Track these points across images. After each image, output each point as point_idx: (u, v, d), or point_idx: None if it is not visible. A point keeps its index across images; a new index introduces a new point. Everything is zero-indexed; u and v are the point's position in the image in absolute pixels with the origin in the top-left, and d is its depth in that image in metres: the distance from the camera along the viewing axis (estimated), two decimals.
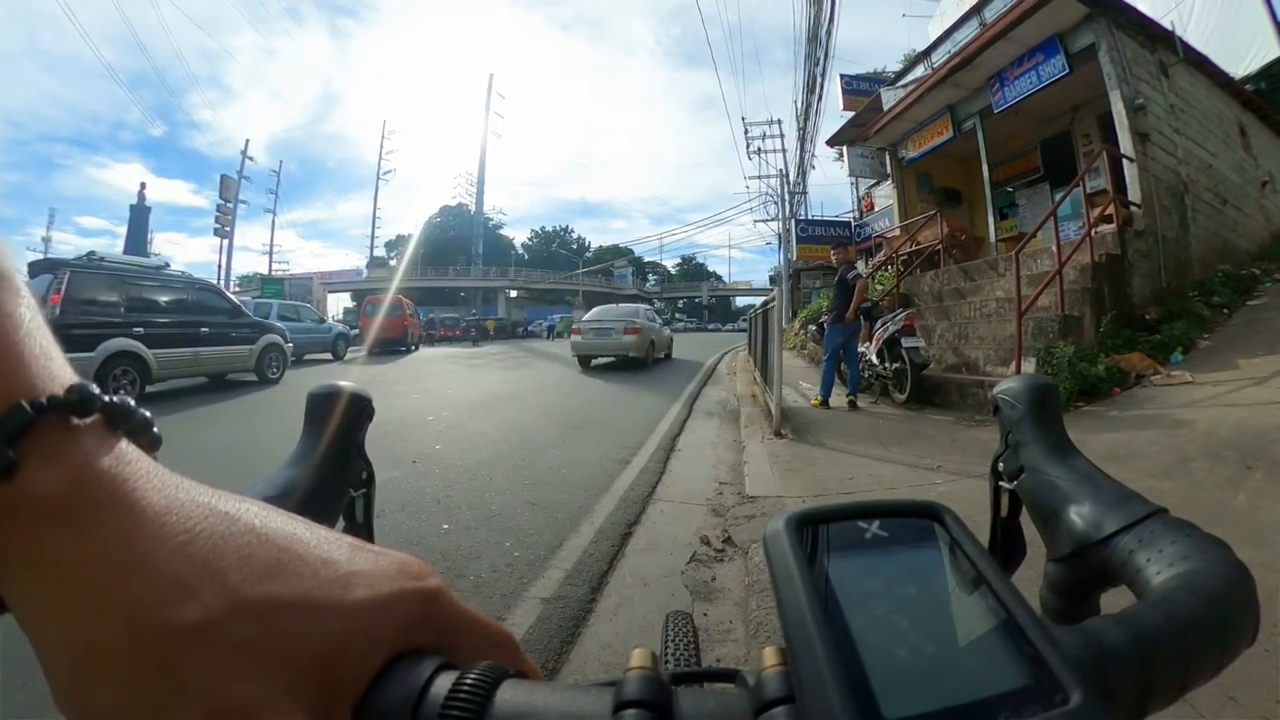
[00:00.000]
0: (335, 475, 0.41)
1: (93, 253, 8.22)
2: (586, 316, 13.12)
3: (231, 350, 9.54)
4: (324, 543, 0.23)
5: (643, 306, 14.27)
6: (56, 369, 0.20)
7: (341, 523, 0.42)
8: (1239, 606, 0.26)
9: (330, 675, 0.21)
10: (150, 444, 0.22)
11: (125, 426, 0.21)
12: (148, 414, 0.22)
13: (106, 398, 0.21)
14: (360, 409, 0.44)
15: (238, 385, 9.70)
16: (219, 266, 37.89)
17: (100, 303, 7.50)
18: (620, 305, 14.01)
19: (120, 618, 0.18)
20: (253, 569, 0.20)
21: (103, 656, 0.18)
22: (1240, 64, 12.50)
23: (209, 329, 9.06)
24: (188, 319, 8.78)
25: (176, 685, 0.18)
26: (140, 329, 7.83)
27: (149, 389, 8.05)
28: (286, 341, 10.86)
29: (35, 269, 7.41)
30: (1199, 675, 0.25)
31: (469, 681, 0.22)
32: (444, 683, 0.22)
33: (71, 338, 6.80)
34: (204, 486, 0.22)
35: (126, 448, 0.21)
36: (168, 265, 9.36)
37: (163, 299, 8.51)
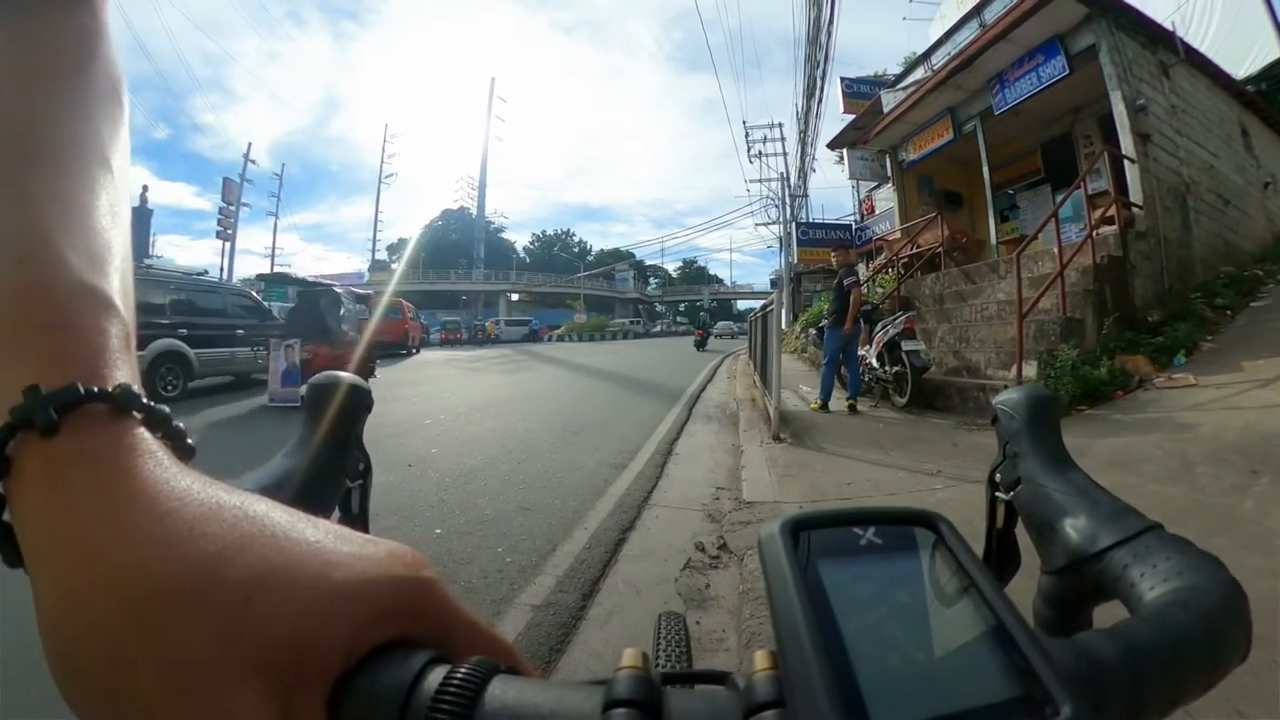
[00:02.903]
0: (332, 466, 0.42)
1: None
2: (718, 325, 41.23)
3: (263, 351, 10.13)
4: (312, 526, 0.24)
5: (735, 323, 38.19)
6: (119, 373, 0.24)
7: (337, 513, 0.42)
8: (1231, 624, 0.26)
9: (305, 653, 0.21)
10: (182, 451, 0.25)
11: (159, 430, 0.24)
12: (181, 425, 0.25)
13: (148, 403, 0.24)
14: (359, 400, 0.44)
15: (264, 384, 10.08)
16: (221, 269, 37.83)
17: (149, 306, 8.26)
18: (727, 322, 47.92)
19: (107, 573, 0.20)
20: (234, 540, 0.21)
21: (86, 606, 0.19)
22: (1242, 64, 12.47)
23: (243, 331, 9.83)
24: (224, 322, 9.58)
25: (147, 642, 0.19)
26: (184, 331, 8.58)
27: (191, 385, 8.73)
28: None
29: None
30: (1190, 691, 0.25)
31: (460, 676, 0.21)
32: (435, 676, 0.22)
33: None
34: (209, 479, 0.24)
35: (151, 442, 0.23)
36: (206, 273, 10.54)
37: (202, 303, 9.26)
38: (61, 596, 0.20)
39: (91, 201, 0.28)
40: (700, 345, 21.92)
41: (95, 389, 0.22)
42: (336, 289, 9.99)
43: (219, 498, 0.23)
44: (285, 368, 7.91)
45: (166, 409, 0.25)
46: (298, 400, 7.55)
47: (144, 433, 0.23)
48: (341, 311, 9.49)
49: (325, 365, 8.25)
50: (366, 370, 9.21)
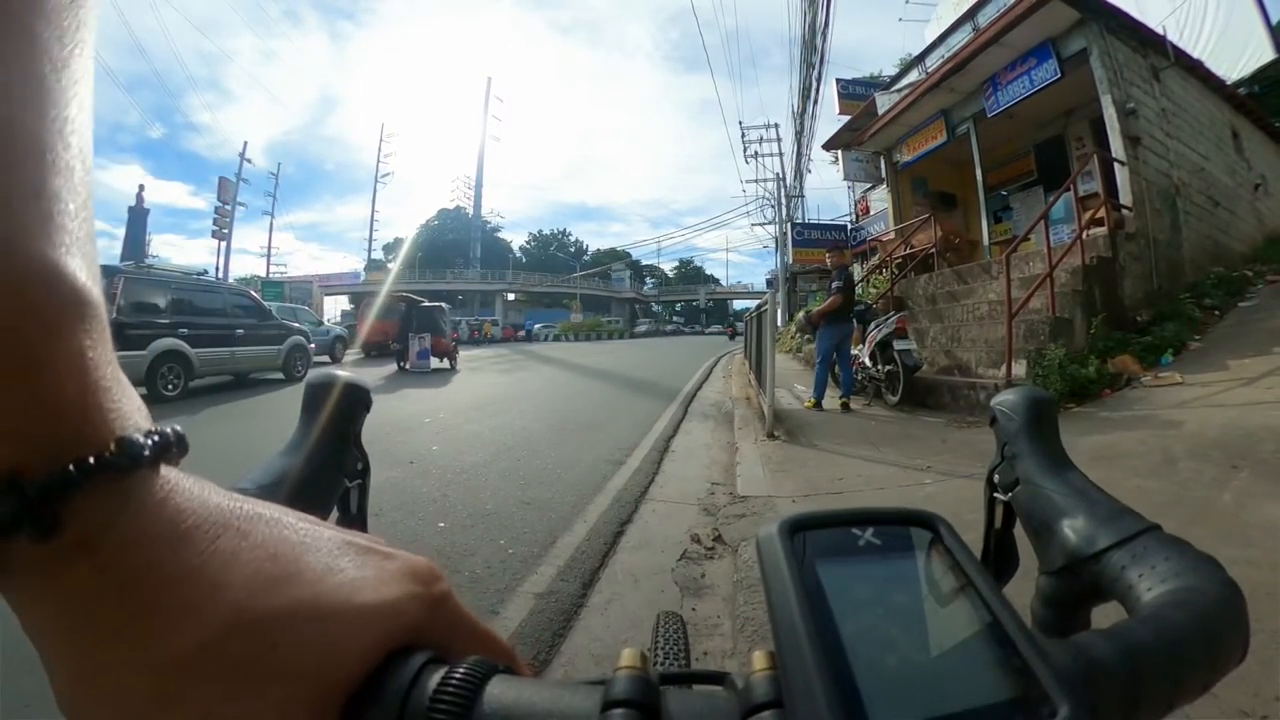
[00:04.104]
0: (331, 464, 0.41)
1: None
2: (740, 324, 29.59)
3: (262, 350, 10.55)
4: (333, 547, 0.24)
5: (740, 323, 27.79)
6: (110, 412, 0.19)
7: (335, 513, 0.42)
8: (1229, 625, 0.26)
9: (329, 679, 0.21)
10: (178, 456, 0.22)
11: (163, 459, 0.21)
12: (180, 429, 0.22)
13: (149, 442, 0.20)
14: (357, 399, 0.43)
15: (270, 383, 10.54)
16: (217, 269, 37.55)
17: (150, 306, 8.39)
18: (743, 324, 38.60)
19: (124, 650, 0.19)
20: (260, 584, 0.21)
21: (102, 680, 0.19)
22: (1235, 67, 12.60)
23: (243, 330, 10.04)
24: (224, 321, 9.75)
25: (170, 705, 0.19)
26: (184, 330, 8.73)
27: (191, 384, 8.82)
28: (309, 343, 12.00)
29: None
30: (1187, 692, 0.25)
31: (458, 676, 0.22)
32: (433, 677, 0.22)
33: (126, 337, 7.65)
34: (224, 494, 0.22)
35: (155, 491, 0.20)
36: (205, 272, 10.63)
37: (202, 303, 9.39)
38: (77, 675, 0.19)
39: (41, 118, 0.19)
40: (731, 338, 34.88)
41: (91, 460, 0.18)
42: (444, 306, 15.09)
43: (239, 531, 0.21)
44: (419, 349, 13.37)
45: (167, 433, 0.21)
46: (428, 369, 13.26)
47: (147, 485, 0.20)
48: (445, 318, 14.74)
49: (441, 349, 14.00)
50: (454, 351, 14.56)
